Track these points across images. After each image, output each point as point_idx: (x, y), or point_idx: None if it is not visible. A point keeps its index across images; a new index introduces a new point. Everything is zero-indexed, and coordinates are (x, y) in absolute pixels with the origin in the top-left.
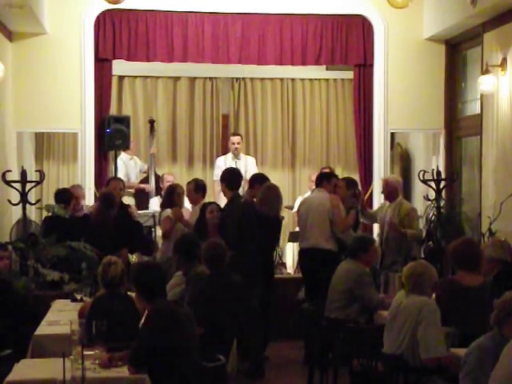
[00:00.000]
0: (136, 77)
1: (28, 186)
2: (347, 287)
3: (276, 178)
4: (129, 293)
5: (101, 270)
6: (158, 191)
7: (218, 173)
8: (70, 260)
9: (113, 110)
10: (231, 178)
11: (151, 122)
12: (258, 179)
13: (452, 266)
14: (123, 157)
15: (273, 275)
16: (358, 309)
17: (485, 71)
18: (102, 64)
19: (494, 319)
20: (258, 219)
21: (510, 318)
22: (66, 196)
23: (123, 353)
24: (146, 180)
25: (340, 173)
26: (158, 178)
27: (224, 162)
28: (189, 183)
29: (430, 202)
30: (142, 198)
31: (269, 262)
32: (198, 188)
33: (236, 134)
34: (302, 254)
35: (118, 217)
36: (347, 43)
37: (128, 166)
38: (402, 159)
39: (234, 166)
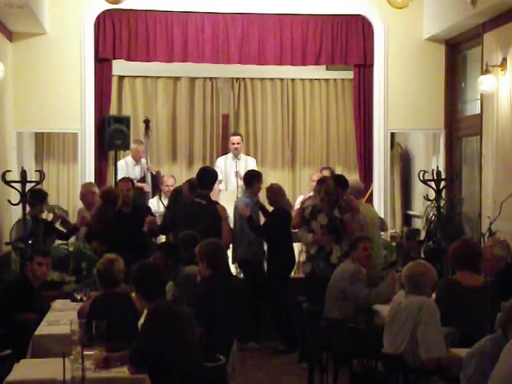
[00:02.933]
0: (136, 77)
1: (28, 186)
2: (341, 287)
3: (276, 178)
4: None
5: (102, 269)
6: (155, 192)
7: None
8: (70, 260)
9: (113, 110)
10: (202, 176)
11: (146, 122)
12: (256, 176)
13: (452, 267)
14: (128, 160)
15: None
16: (352, 307)
17: (485, 71)
18: (102, 64)
19: (499, 322)
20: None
21: None
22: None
23: (122, 353)
24: (142, 180)
25: (340, 173)
26: (155, 179)
27: (224, 163)
28: (183, 185)
29: (430, 202)
30: (140, 198)
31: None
32: (192, 188)
33: (236, 133)
34: None
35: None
36: (347, 43)
37: (130, 171)
38: (402, 159)
39: (209, 166)
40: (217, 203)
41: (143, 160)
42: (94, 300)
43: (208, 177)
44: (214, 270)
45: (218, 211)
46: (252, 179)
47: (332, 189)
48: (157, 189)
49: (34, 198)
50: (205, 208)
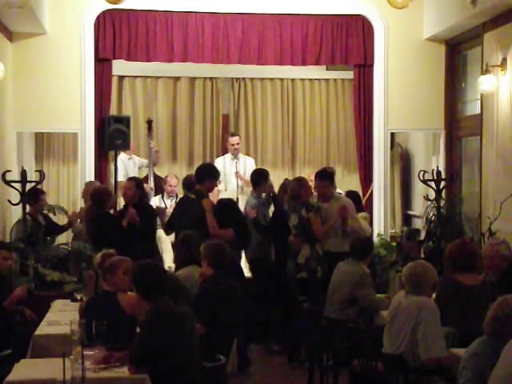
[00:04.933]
0: (136, 77)
1: (28, 185)
2: (348, 289)
3: (276, 178)
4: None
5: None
6: (157, 191)
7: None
8: (70, 260)
9: (113, 110)
10: (196, 172)
11: (149, 123)
12: (263, 175)
13: (450, 269)
14: (122, 157)
15: None
16: (357, 310)
17: (485, 71)
18: (102, 64)
19: (493, 331)
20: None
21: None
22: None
23: (122, 353)
24: (144, 180)
25: (340, 173)
26: (157, 178)
27: (223, 163)
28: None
29: (430, 202)
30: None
31: None
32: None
33: (234, 134)
34: None
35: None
36: (347, 43)
37: (127, 166)
38: (402, 159)
39: (209, 162)
40: (205, 197)
41: (136, 157)
42: (88, 300)
43: (201, 172)
44: (215, 270)
45: (203, 204)
46: (259, 178)
47: (288, 185)
48: (159, 189)
49: (30, 197)
50: (193, 202)
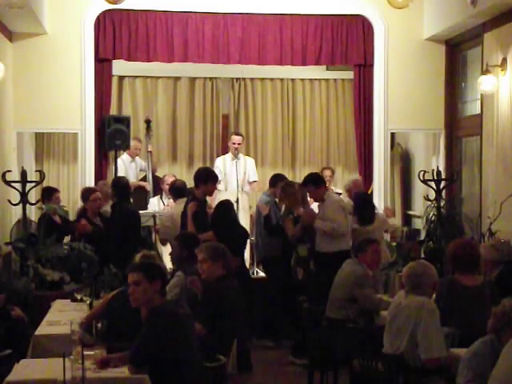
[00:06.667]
0: (136, 77)
1: (28, 186)
2: (348, 288)
3: None
4: None
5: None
6: (156, 192)
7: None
8: (70, 260)
9: (113, 110)
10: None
11: (147, 122)
12: (280, 178)
13: (452, 268)
14: (124, 158)
15: None
16: (357, 310)
17: (485, 71)
18: (102, 64)
19: (491, 328)
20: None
21: (508, 328)
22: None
23: (123, 354)
24: (144, 180)
25: (340, 173)
26: (156, 178)
27: (223, 163)
28: None
29: (430, 202)
30: (141, 197)
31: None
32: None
33: (238, 133)
34: None
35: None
36: (347, 43)
37: (128, 168)
38: (402, 159)
39: (207, 166)
40: (193, 200)
41: (138, 159)
42: (118, 291)
43: (195, 176)
44: (226, 270)
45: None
46: (276, 180)
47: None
48: (157, 188)
49: (42, 194)
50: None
